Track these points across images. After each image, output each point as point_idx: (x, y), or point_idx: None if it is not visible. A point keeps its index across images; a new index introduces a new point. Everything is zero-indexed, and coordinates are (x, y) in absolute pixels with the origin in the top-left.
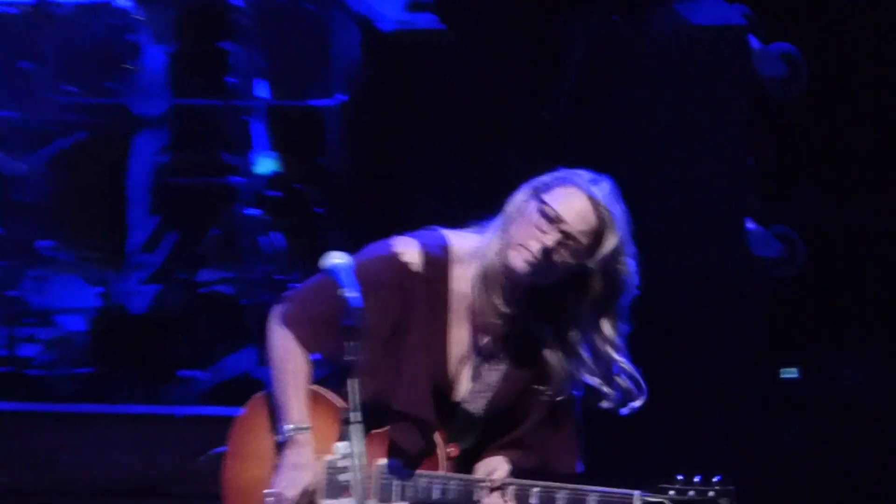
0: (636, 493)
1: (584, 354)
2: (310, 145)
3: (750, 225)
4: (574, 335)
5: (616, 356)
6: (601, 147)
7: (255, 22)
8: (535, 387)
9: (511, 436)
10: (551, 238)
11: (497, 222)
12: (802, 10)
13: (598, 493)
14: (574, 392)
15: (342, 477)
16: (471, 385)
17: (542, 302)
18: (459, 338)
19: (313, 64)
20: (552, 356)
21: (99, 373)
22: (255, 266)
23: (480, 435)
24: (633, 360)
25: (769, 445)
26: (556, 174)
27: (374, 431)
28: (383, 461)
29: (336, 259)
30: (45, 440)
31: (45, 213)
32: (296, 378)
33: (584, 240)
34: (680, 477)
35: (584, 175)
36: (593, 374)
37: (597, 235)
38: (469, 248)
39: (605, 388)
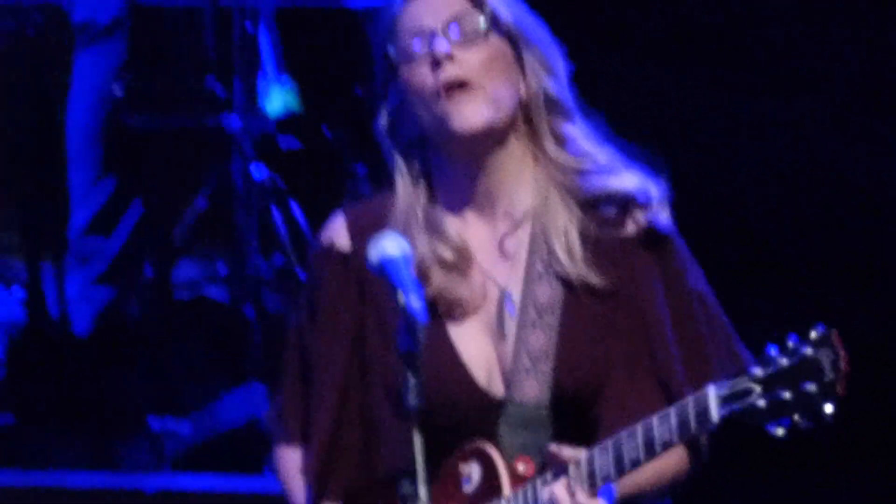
0: (709, 387)
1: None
2: (343, 69)
3: None
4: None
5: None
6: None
7: None
8: (606, 322)
9: (603, 417)
10: (440, 45)
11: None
12: None
13: (667, 416)
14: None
15: None
16: (511, 366)
17: (508, 165)
18: (464, 305)
19: None
20: (577, 247)
21: (19, 422)
22: (261, 256)
23: (556, 431)
24: None
25: None
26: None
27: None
28: None
29: (389, 248)
30: None
31: None
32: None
33: (465, 8)
34: (771, 348)
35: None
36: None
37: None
38: None
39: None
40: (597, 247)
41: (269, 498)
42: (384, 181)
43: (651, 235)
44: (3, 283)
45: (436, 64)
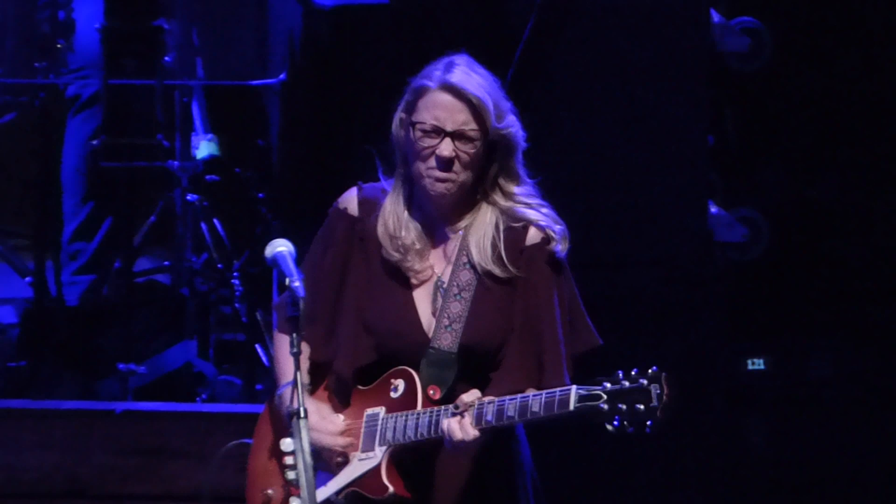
0: (573, 387)
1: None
2: (249, 127)
3: (713, 208)
4: (501, 210)
5: (538, 202)
6: (551, 123)
7: None
8: (504, 303)
9: (496, 368)
10: (445, 147)
11: (397, 162)
12: None
13: (540, 396)
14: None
15: (289, 474)
16: (435, 322)
17: (464, 205)
18: (417, 275)
19: (252, 42)
20: (496, 249)
21: (30, 367)
22: (193, 254)
23: (460, 372)
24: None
25: (732, 441)
26: (410, 87)
27: (360, 388)
28: (368, 411)
29: (279, 247)
30: None
31: None
32: (286, 356)
33: (470, 125)
34: (619, 372)
35: (434, 72)
36: (537, 215)
37: (477, 115)
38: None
39: (553, 227)
40: (502, 253)
41: (199, 415)
42: (386, 171)
43: (552, 257)
44: (19, 274)
45: (439, 160)
